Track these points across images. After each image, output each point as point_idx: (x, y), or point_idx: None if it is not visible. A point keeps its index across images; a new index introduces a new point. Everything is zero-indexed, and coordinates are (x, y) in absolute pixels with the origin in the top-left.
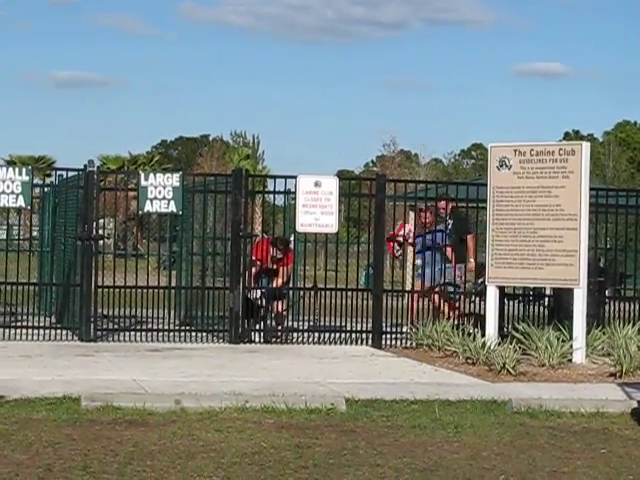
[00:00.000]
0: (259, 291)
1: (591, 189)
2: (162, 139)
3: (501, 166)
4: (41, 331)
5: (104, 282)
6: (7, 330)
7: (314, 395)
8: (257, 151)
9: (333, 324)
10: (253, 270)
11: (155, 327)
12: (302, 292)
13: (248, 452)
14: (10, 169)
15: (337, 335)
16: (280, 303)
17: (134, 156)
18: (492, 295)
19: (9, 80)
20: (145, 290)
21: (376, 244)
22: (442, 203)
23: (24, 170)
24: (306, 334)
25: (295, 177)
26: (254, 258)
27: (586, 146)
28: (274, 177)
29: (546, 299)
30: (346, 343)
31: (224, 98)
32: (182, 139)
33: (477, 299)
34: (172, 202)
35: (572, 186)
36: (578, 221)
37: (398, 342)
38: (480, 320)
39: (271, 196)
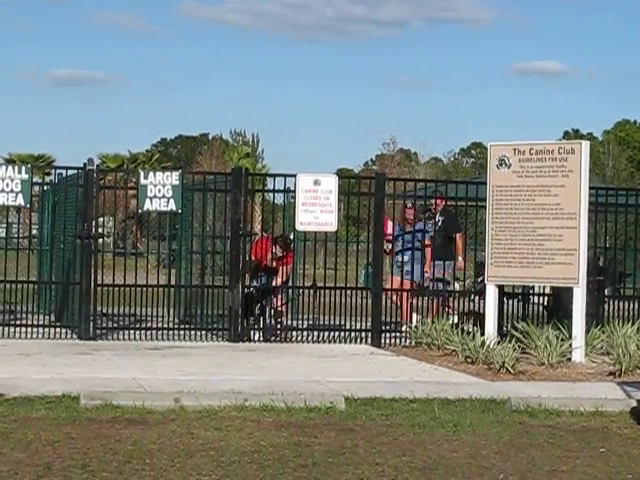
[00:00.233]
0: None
1: (591, 188)
2: (162, 137)
3: (501, 165)
4: (40, 329)
5: (103, 280)
6: (6, 328)
7: (313, 394)
8: (257, 149)
9: (332, 323)
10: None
11: (154, 325)
12: (301, 290)
13: (247, 451)
14: (9, 167)
15: (336, 334)
16: (278, 299)
17: (133, 154)
18: (491, 294)
19: (8, 78)
20: (144, 288)
21: (375, 243)
22: (437, 201)
23: (23, 168)
24: (305, 333)
25: (295, 176)
26: (252, 258)
27: (585, 145)
28: (274, 175)
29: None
30: (345, 342)
31: (224, 96)
32: (182, 137)
33: (476, 298)
34: (172, 200)
35: (572, 185)
36: (577, 220)
37: (397, 341)
38: (479, 319)
39: (271, 194)
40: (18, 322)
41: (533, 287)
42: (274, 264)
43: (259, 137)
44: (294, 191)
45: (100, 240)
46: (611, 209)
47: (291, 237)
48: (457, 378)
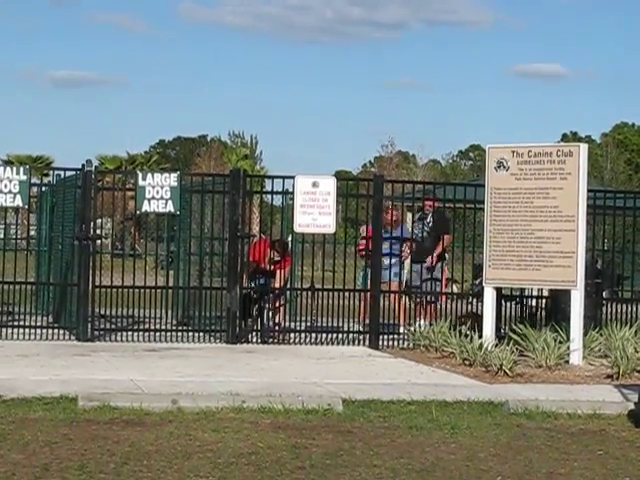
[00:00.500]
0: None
1: (589, 191)
2: (160, 139)
3: (499, 167)
4: (38, 331)
5: (101, 282)
6: (4, 329)
7: (311, 395)
8: (255, 151)
9: (330, 325)
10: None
11: (152, 327)
12: (299, 292)
13: (245, 452)
14: (8, 168)
15: (334, 336)
16: (275, 300)
17: (132, 156)
18: (489, 296)
19: (7, 79)
20: (142, 290)
21: (374, 245)
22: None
23: (22, 169)
24: (303, 335)
25: (293, 177)
26: (250, 259)
27: (584, 148)
28: (272, 177)
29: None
30: (343, 344)
31: (222, 98)
32: (180, 139)
33: (474, 300)
34: (170, 202)
35: (570, 188)
36: (576, 223)
37: (395, 343)
38: (477, 321)
39: (269, 196)
40: (16, 323)
41: (531, 290)
42: (271, 268)
43: (258, 139)
44: (292, 193)
45: (98, 241)
46: (609, 212)
47: (288, 239)
48: (455, 380)
